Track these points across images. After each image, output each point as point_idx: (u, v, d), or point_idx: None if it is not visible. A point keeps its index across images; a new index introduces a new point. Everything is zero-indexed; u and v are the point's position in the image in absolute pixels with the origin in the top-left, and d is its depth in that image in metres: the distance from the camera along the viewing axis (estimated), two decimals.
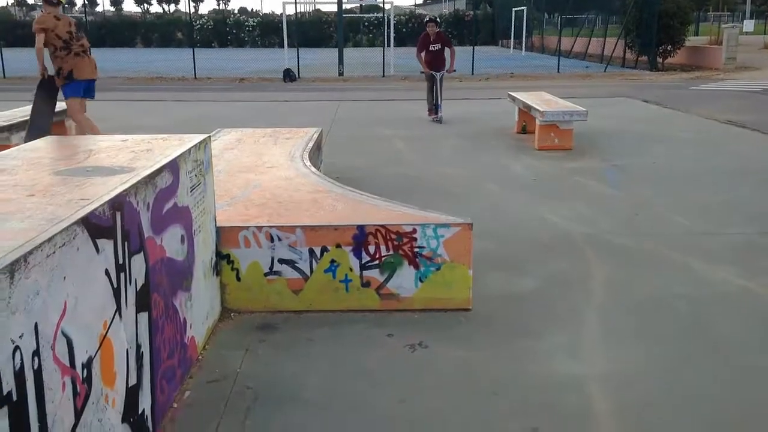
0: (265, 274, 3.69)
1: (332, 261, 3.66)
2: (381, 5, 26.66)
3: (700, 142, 9.27)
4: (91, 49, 7.81)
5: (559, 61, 23.54)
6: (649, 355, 3.28)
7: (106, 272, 2.19)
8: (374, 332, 3.51)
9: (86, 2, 47.26)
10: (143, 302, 2.51)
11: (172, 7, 73.15)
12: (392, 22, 26.43)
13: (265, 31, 45.21)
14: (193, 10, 56.52)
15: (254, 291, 3.71)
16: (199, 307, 3.27)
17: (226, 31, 45.49)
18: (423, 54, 11.24)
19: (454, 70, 11.57)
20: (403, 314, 3.69)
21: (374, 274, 3.69)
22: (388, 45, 24.28)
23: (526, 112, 9.55)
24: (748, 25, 41.81)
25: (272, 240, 3.64)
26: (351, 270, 3.68)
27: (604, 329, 3.56)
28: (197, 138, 3.38)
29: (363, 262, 3.67)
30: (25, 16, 55.06)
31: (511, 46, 36.72)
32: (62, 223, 1.97)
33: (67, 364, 1.91)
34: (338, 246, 3.65)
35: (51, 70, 7.54)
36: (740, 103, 13.74)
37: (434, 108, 11.23)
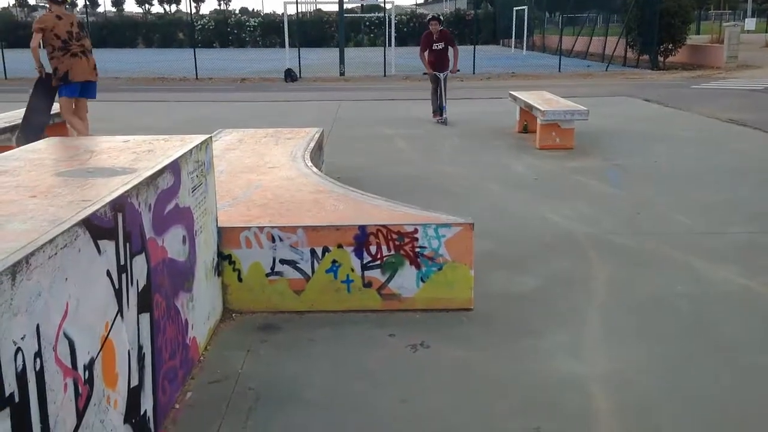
0: (267, 275, 3.69)
1: (334, 261, 3.67)
2: (382, 5, 26.67)
3: (702, 141, 9.26)
4: (92, 50, 7.80)
5: (560, 60, 23.52)
6: (651, 354, 3.28)
7: (108, 273, 2.19)
8: (376, 332, 3.51)
9: (87, 3, 47.29)
10: (145, 303, 2.52)
11: (174, 8, 73.21)
12: (393, 22, 26.40)
13: (267, 31, 45.22)
14: (194, 10, 56.64)
15: (256, 291, 3.71)
16: (201, 308, 3.28)
17: (228, 31, 45.51)
18: (426, 54, 10.98)
19: (458, 70, 11.38)
20: (404, 314, 3.69)
21: (376, 275, 3.69)
22: (390, 45, 24.27)
23: (527, 111, 9.55)
24: (750, 23, 41.73)
25: (274, 240, 3.65)
26: (352, 270, 3.68)
27: (606, 328, 3.56)
28: (199, 138, 3.38)
29: (364, 262, 3.67)
30: (27, 17, 55.06)
31: (512, 46, 36.69)
32: (64, 224, 1.97)
33: (69, 366, 1.91)
34: (340, 246, 3.65)
35: (49, 68, 7.54)
36: (742, 101, 13.72)
37: (439, 110, 11.01)
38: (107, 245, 2.19)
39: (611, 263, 4.50)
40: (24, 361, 1.67)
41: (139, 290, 2.46)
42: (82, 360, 1.99)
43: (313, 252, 3.65)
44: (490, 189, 6.64)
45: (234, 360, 3.22)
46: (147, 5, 74.76)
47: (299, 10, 26.93)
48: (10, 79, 21.15)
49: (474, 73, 21.32)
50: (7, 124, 7.41)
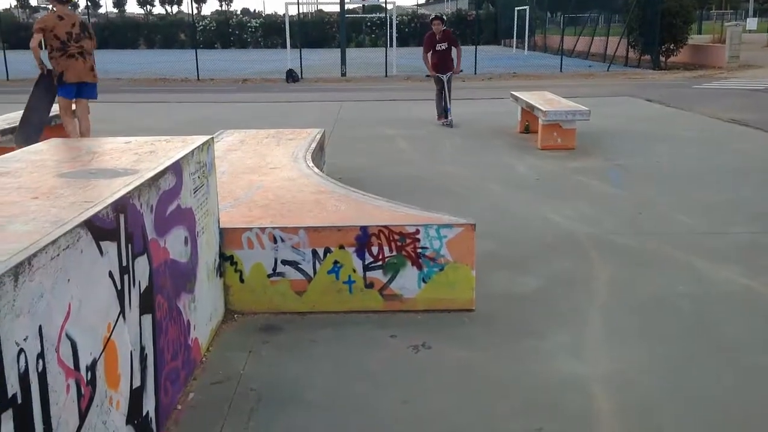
0: (269, 276, 3.69)
1: (335, 262, 3.67)
2: (383, 5, 26.68)
3: (704, 141, 9.25)
4: (92, 52, 7.79)
5: (561, 60, 23.50)
6: (653, 354, 3.28)
7: (110, 274, 2.19)
8: (377, 333, 3.51)
9: (89, 4, 47.36)
10: (147, 304, 2.52)
11: (175, 9, 73.25)
12: (395, 23, 26.39)
13: (268, 31, 45.25)
14: (195, 11, 56.65)
15: (257, 292, 3.71)
16: (203, 309, 3.28)
17: (229, 32, 45.54)
18: (429, 55, 10.75)
19: (461, 70, 11.19)
20: (406, 315, 3.69)
21: (377, 275, 3.70)
22: (391, 45, 24.28)
23: (528, 111, 9.55)
24: (751, 23, 41.71)
25: (275, 241, 3.65)
26: (354, 271, 3.68)
27: (608, 329, 3.56)
28: (200, 139, 3.38)
29: (366, 263, 3.67)
30: (29, 18, 55.11)
31: (514, 46, 36.67)
32: (66, 225, 1.97)
33: (72, 367, 1.92)
34: (341, 247, 3.65)
35: (50, 65, 7.57)
36: (743, 101, 13.71)
37: (444, 112, 10.74)
38: (109, 246, 2.19)
39: (613, 263, 4.50)
40: (26, 362, 1.68)
41: (141, 291, 2.46)
42: (84, 361, 1.99)
43: (314, 253, 3.66)
44: (491, 189, 6.64)
45: (236, 361, 3.23)
46: (148, 6, 74.84)
47: (301, 11, 26.97)
48: (11, 81, 21.17)
49: (475, 73, 21.32)
50: (9, 126, 7.42)
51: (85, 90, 7.74)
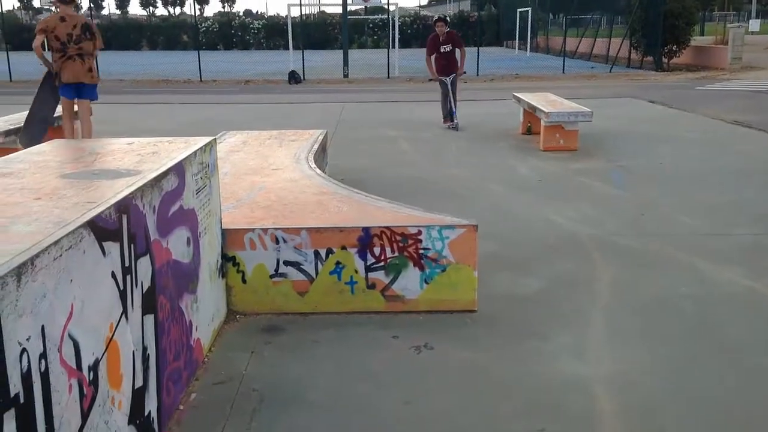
0: (271, 276, 3.69)
1: (337, 263, 3.67)
2: (386, 7, 26.70)
3: (706, 143, 9.24)
4: (92, 53, 7.78)
5: (564, 61, 23.51)
6: (655, 355, 3.27)
7: (113, 275, 2.20)
8: (379, 334, 3.51)
9: (92, 5, 47.45)
10: (149, 304, 2.52)
11: (178, 10, 73.35)
12: (397, 24, 26.44)
13: (270, 33, 45.34)
14: (198, 12, 56.74)
15: (260, 293, 3.72)
16: (205, 310, 3.28)
17: (232, 33, 45.63)
18: (433, 58, 10.55)
19: (464, 72, 11.09)
20: (408, 316, 3.69)
21: (379, 276, 3.70)
22: (393, 46, 24.32)
23: (531, 113, 9.54)
24: (754, 24, 41.71)
25: (278, 242, 3.65)
26: (356, 272, 3.68)
27: (610, 330, 3.55)
28: (203, 140, 3.39)
29: (368, 263, 3.67)
30: (32, 19, 55.25)
31: (516, 47, 36.69)
32: (69, 226, 1.98)
33: (74, 367, 1.92)
34: (343, 248, 3.65)
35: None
36: (746, 103, 13.69)
37: (449, 115, 10.54)
38: (112, 247, 2.19)
39: (615, 265, 4.50)
40: (29, 362, 1.68)
41: (144, 292, 2.47)
42: (86, 361, 1.99)
43: (317, 253, 3.66)
44: (493, 190, 6.64)
45: (238, 361, 3.23)
46: (151, 8, 74.98)
47: (303, 12, 27.03)
48: (15, 82, 21.23)
49: (478, 74, 21.32)
50: (12, 126, 7.44)
51: (85, 91, 7.76)
